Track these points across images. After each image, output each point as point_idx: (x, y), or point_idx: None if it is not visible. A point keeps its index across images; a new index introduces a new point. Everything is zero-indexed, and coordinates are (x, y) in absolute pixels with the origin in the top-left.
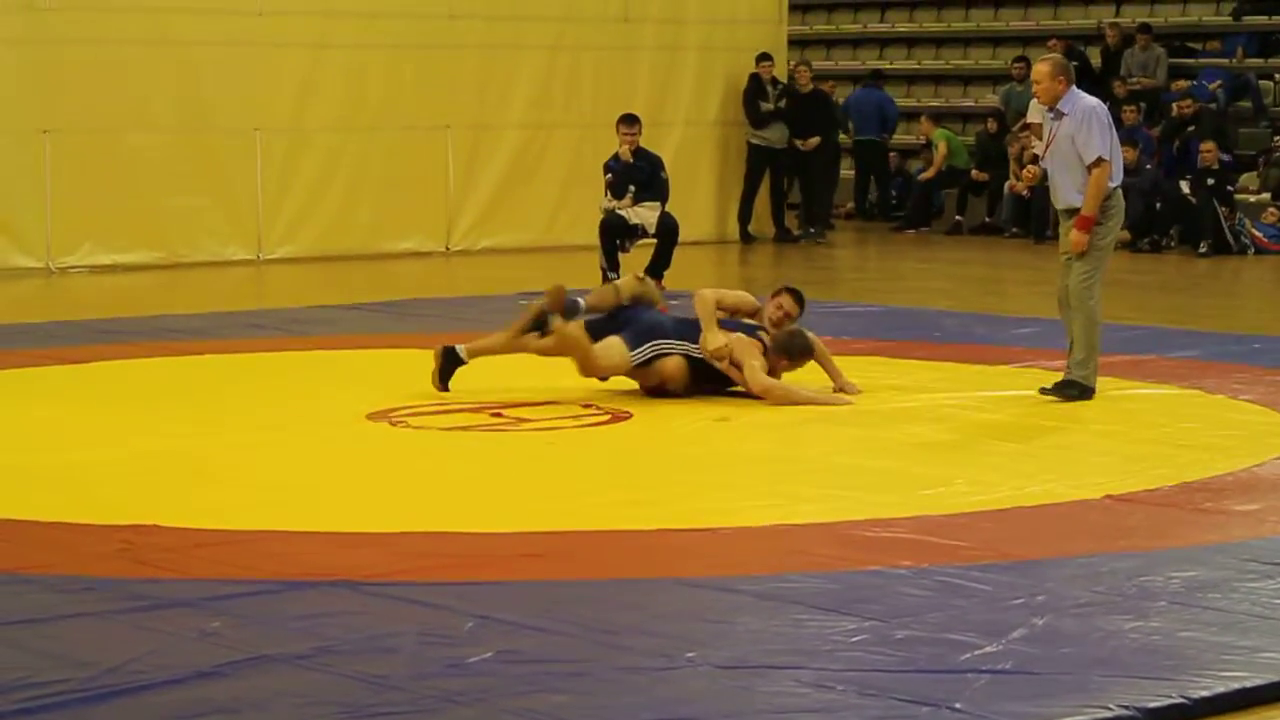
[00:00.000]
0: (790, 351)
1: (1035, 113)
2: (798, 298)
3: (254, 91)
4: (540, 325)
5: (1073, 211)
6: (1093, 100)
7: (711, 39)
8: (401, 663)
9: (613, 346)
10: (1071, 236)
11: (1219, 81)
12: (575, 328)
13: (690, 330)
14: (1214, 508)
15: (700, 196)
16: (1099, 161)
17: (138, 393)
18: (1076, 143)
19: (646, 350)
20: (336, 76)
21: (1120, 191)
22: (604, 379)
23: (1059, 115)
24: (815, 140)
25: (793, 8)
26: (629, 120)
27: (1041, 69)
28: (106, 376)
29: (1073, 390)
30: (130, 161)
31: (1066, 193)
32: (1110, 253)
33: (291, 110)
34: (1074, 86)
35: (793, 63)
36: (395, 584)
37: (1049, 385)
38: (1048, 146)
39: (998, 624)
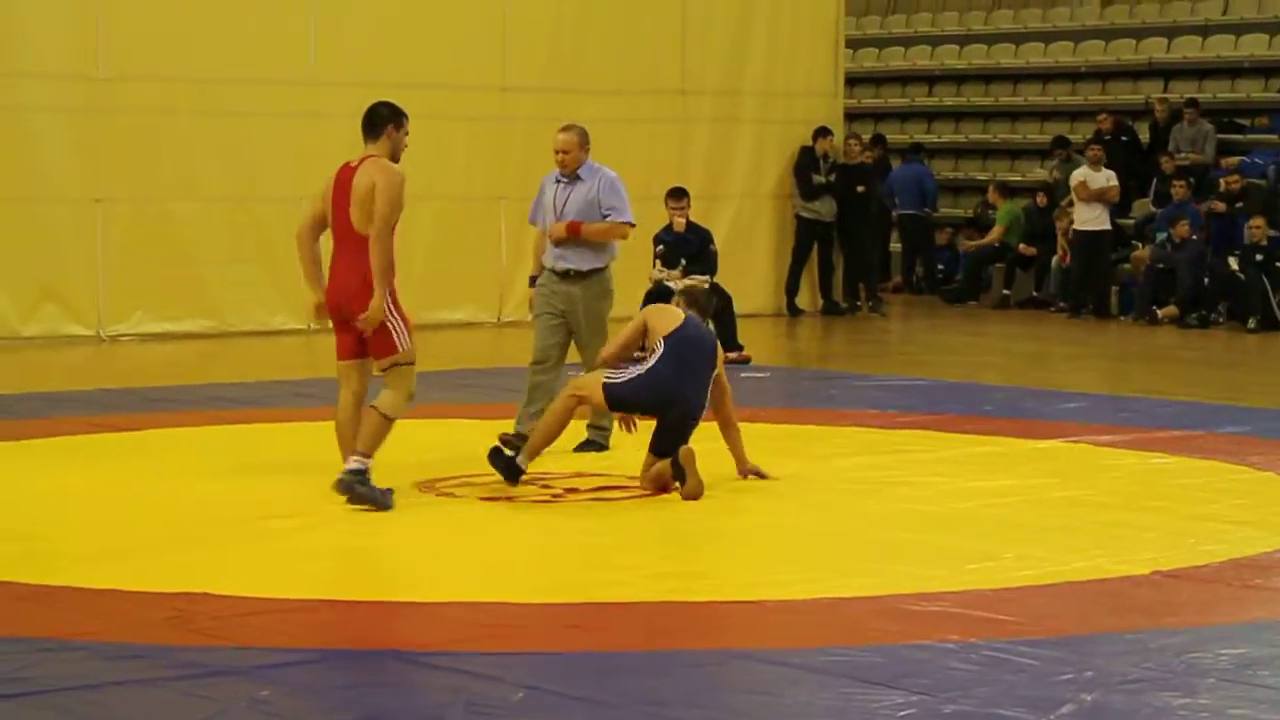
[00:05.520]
0: (695, 303)
1: (1079, 176)
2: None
3: (302, 161)
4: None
5: (580, 274)
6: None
7: (767, 112)
8: None
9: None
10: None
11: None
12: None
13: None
14: (1263, 584)
15: (756, 269)
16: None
17: (188, 461)
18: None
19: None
20: None
21: None
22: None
23: (576, 180)
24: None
25: None
26: (677, 194)
27: (573, 138)
28: (157, 445)
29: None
30: (180, 230)
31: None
32: None
33: None
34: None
35: (845, 136)
36: (443, 654)
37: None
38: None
39: (1046, 700)
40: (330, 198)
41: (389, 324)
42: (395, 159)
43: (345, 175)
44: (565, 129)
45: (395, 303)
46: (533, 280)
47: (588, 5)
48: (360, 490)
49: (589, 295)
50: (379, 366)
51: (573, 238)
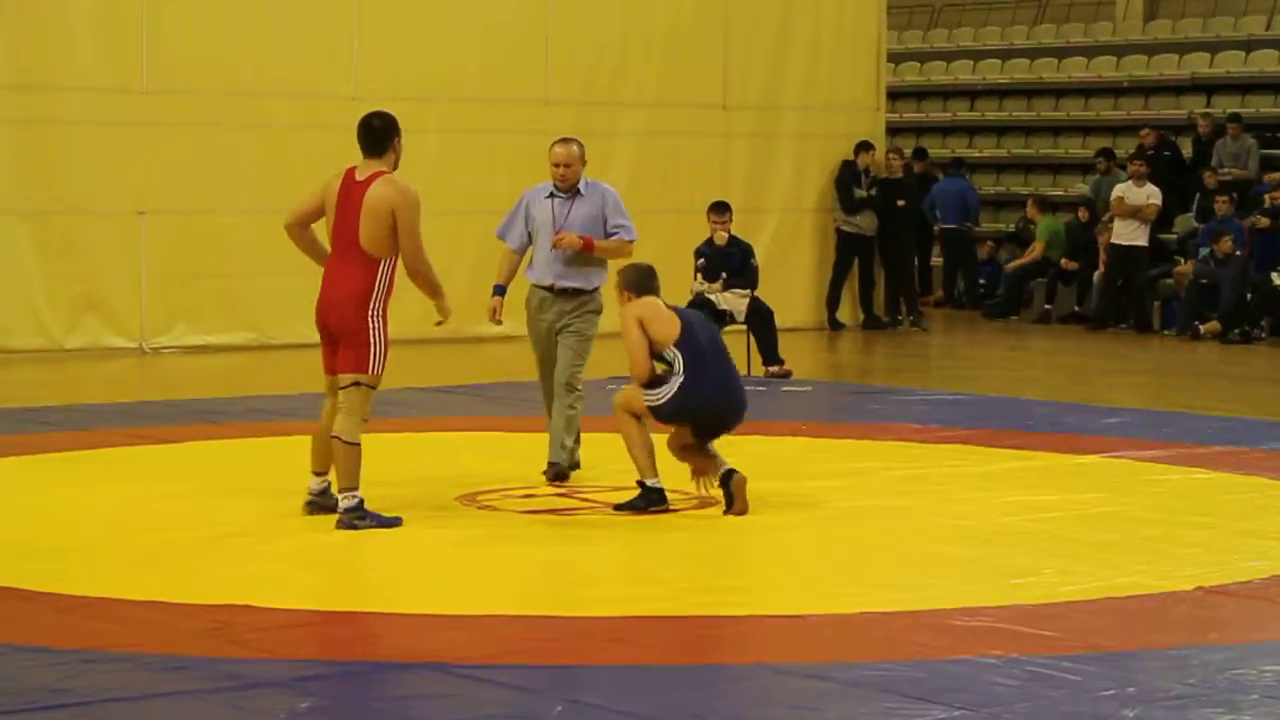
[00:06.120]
0: (641, 286)
1: (1119, 191)
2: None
3: None
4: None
5: (580, 291)
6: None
7: (809, 126)
8: None
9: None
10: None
11: None
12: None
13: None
14: None
15: (797, 283)
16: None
17: (231, 472)
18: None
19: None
20: (429, 160)
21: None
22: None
23: (575, 195)
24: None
25: None
26: (719, 208)
27: (574, 151)
28: (200, 456)
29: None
30: (222, 243)
31: (591, 275)
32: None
33: None
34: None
35: (886, 150)
36: (484, 666)
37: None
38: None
39: (1088, 715)
40: (333, 206)
41: (371, 342)
42: (396, 167)
43: (353, 188)
44: (563, 142)
45: (384, 323)
46: (499, 289)
47: (630, 19)
48: (362, 525)
49: (584, 311)
50: (341, 382)
51: (585, 253)
